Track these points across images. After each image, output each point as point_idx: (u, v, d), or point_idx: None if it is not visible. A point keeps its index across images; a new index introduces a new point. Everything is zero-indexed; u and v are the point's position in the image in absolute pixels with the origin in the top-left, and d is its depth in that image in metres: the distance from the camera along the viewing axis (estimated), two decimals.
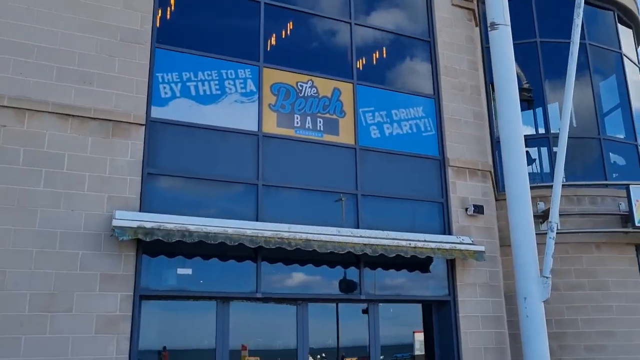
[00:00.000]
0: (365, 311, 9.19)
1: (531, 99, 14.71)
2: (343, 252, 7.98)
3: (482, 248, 9.08)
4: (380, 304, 9.25)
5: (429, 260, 9.11)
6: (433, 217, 9.62)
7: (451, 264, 9.32)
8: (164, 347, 7.83)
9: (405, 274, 9.40)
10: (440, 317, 9.39)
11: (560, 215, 11.82)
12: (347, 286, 8.78)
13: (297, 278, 8.61)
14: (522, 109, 14.24)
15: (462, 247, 8.90)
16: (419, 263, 9.23)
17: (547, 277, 8.86)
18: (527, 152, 13.78)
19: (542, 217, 11.71)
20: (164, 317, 8.04)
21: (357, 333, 9.26)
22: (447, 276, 9.34)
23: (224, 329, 7.89)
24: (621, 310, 11.48)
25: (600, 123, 12.87)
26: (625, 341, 11.31)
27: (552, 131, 13.91)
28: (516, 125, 9.44)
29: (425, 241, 8.66)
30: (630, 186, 11.07)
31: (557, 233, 11.66)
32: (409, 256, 8.40)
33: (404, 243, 8.44)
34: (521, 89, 14.58)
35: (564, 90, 9.28)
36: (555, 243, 11.67)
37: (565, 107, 9.37)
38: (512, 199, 9.24)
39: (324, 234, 8.00)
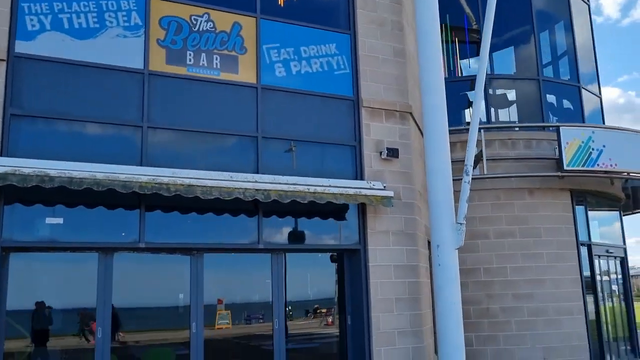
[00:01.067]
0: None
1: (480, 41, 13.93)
2: (230, 199, 7.37)
3: (390, 193, 8.54)
4: (290, 254, 8.83)
5: (339, 207, 8.58)
6: (345, 162, 9.03)
7: (362, 211, 8.80)
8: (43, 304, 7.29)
9: (316, 222, 8.89)
10: (351, 266, 8.93)
11: (493, 160, 11.41)
12: (246, 235, 8.24)
13: (191, 227, 8.04)
14: (472, 53, 13.65)
15: (369, 192, 8.35)
16: (330, 211, 8.74)
17: (461, 224, 8.33)
18: (466, 94, 13.30)
19: (474, 162, 11.18)
20: (39, 273, 7.48)
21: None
22: (357, 224, 8.83)
23: (106, 284, 7.36)
24: (552, 257, 11.15)
25: (539, 64, 12.20)
26: (554, 289, 11.03)
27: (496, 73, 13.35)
28: (435, 65, 8.74)
29: (327, 186, 8.08)
30: (561, 128, 10.53)
31: (489, 178, 11.30)
32: (306, 202, 7.83)
33: (301, 188, 7.86)
34: (470, 30, 13.90)
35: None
36: (487, 189, 11.39)
37: (483, 46, 8.65)
38: (429, 142, 8.63)
39: (209, 179, 7.38)
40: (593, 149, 10.36)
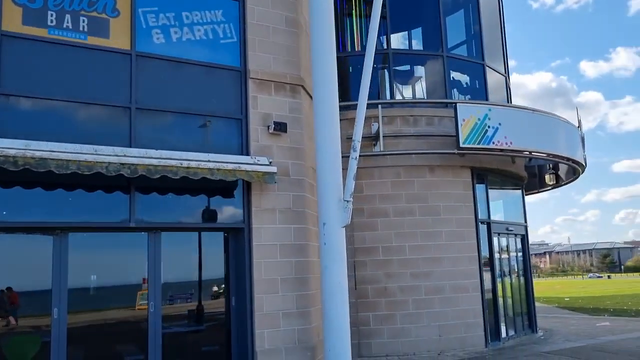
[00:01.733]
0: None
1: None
2: (90, 173, 6.78)
3: (273, 169, 8.15)
4: (175, 234, 8.34)
5: (225, 184, 8.14)
6: (230, 136, 8.57)
7: (247, 188, 8.38)
8: None
9: (201, 199, 8.43)
10: (236, 246, 8.52)
11: (395, 136, 11.20)
12: (116, 213, 7.66)
13: (55, 205, 7.40)
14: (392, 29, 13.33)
15: (249, 168, 7.92)
16: (216, 188, 8.32)
17: (347, 201, 8.04)
18: (410, 69, 13.04)
19: (374, 138, 10.96)
20: None
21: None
22: (242, 202, 8.41)
23: None
24: (451, 235, 11.10)
25: (444, 41, 12.04)
26: (452, 267, 11.00)
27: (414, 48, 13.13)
28: (325, 35, 8.32)
29: (202, 161, 7.58)
30: (458, 105, 10.40)
31: (390, 155, 11.09)
32: (178, 177, 7.33)
33: (173, 163, 7.35)
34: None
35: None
36: (388, 167, 11.18)
37: (373, 18, 8.30)
38: (318, 116, 8.25)
39: (65, 152, 6.74)
40: (489, 127, 10.30)
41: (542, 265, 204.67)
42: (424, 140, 11.15)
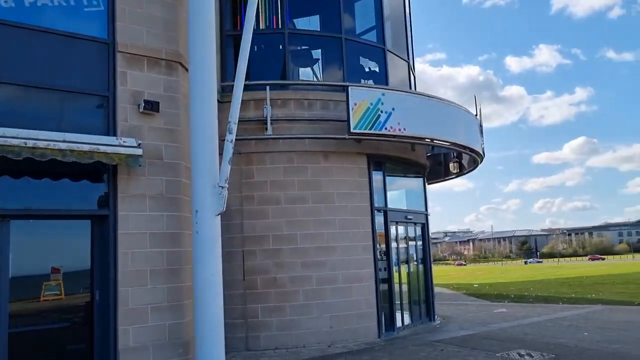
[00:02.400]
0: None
1: None
2: None
3: (138, 152, 7.46)
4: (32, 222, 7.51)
5: (92, 167, 7.37)
6: (94, 115, 7.82)
7: (113, 172, 7.65)
8: None
9: (63, 184, 7.60)
10: (100, 234, 7.76)
11: (288, 120, 10.70)
12: None
13: None
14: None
15: (110, 149, 7.20)
16: (81, 172, 7.53)
17: (222, 187, 7.55)
18: (307, 50, 12.50)
19: (266, 122, 10.42)
20: None
21: None
22: (108, 187, 7.68)
23: None
24: (345, 224, 10.78)
25: (342, 23, 11.63)
26: (345, 256, 10.69)
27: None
28: (204, 9, 7.75)
29: (53, 141, 6.79)
30: (349, 88, 10.03)
31: (283, 139, 10.61)
32: (21, 158, 6.52)
33: (15, 142, 6.51)
34: None
35: None
36: (280, 152, 10.67)
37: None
38: (194, 94, 7.70)
39: None
40: (382, 112, 9.99)
41: (466, 252, 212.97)
42: (319, 125, 10.73)
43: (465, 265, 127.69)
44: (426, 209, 13.46)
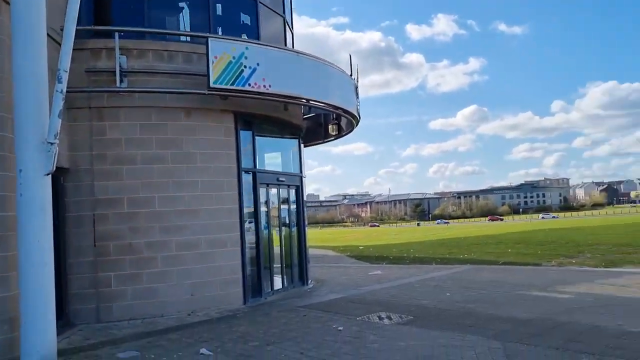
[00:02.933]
0: None
1: None
2: None
3: None
4: None
5: None
6: None
7: None
8: None
9: None
10: None
11: (145, 72, 9.74)
12: None
13: None
14: None
15: None
16: None
17: (51, 144, 6.64)
18: None
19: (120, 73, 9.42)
20: None
21: None
22: None
23: None
24: (208, 186, 10.15)
25: None
26: (209, 220, 10.10)
27: None
28: None
29: None
30: (209, 40, 9.27)
31: (139, 92, 9.67)
32: None
33: None
34: None
35: None
36: (136, 107, 9.72)
37: None
38: (16, 38, 6.64)
39: None
40: (245, 67, 9.33)
41: (363, 215, 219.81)
42: (181, 79, 9.90)
43: (378, 226, 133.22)
44: (301, 171, 13.09)
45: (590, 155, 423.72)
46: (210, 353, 6.99)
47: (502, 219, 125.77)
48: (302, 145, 13.33)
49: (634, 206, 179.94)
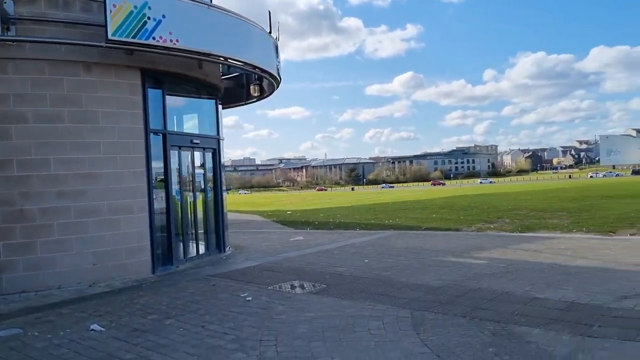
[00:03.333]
0: None
1: None
2: None
3: None
4: None
5: None
6: None
7: None
8: None
9: None
10: None
11: (37, 21, 8.75)
12: None
13: None
14: None
15: None
16: None
17: None
18: None
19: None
20: None
21: None
22: None
23: None
24: (111, 147, 9.41)
25: None
26: (113, 184, 9.41)
27: None
28: None
29: None
30: None
31: (27, 43, 8.70)
32: None
33: None
34: None
35: None
36: (27, 59, 8.76)
37: None
38: None
39: None
40: (149, 18, 8.54)
41: (299, 179, 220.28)
42: (79, 30, 9.00)
43: (326, 190, 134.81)
44: (218, 133, 12.45)
45: (518, 123, 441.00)
46: (102, 329, 6.45)
47: (444, 184, 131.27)
48: (219, 106, 12.66)
49: (556, 172, 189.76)
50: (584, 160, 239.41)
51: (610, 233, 13.19)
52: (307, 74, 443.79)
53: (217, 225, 12.26)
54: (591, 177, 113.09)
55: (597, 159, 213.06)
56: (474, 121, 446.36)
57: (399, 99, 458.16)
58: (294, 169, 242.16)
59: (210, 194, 12.13)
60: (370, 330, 6.14)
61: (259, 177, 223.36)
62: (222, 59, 10.21)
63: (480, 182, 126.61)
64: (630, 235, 12.70)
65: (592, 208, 20.06)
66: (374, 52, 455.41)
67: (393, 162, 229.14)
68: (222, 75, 13.30)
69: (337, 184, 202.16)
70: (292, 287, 8.58)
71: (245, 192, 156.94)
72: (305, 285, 8.61)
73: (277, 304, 7.49)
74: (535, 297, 7.34)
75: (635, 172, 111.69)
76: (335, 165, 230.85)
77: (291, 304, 7.49)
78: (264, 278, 9.32)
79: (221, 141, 12.52)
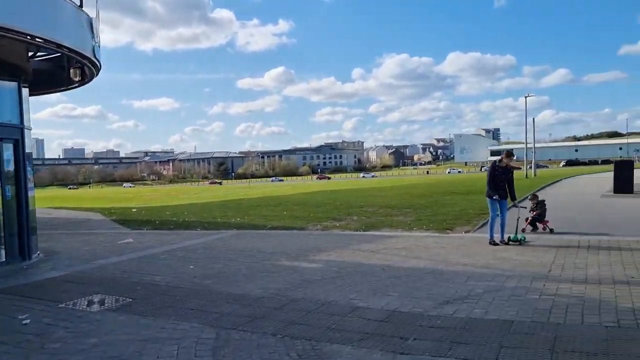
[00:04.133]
0: None
1: None
2: None
3: None
4: None
5: None
6: None
7: None
8: None
9: None
10: None
11: None
12: None
13: None
14: None
15: None
16: None
17: None
18: None
19: None
20: None
21: None
22: None
23: None
24: None
25: None
26: None
27: None
28: None
29: None
30: None
31: None
32: None
33: None
34: None
35: None
36: None
37: None
38: None
39: None
40: None
41: (165, 172, 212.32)
42: None
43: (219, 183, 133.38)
44: (22, 122, 10.64)
45: (383, 120, 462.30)
46: None
47: (329, 178, 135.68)
48: (23, 90, 10.81)
49: (416, 168, 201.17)
50: (440, 157, 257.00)
51: (447, 230, 13.31)
52: (176, 65, 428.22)
53: (20, 229, 10.48)
54: (449, 172, 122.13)
55: (452, 156, 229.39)
56: (343, 118, 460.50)
57: (270, 94, 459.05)
58: (160, 162, 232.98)
59: (10, 193, 10.31)
60: (159, 358, 5.14)
61: (122, 170, 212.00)
62: (13, 33, 8.53)
63: (363, 176, 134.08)
64: (465, 232, 12.87)
65: (437, 204, 20.61)
66: (246, 45, 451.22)
67: (262, 157, 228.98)
68: (36, 55, 11.48)
69: (206, 177, 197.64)
70: (90, 303, 7.31)
71: (131, 185, 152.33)
72: (106, 301, 7.38)
73: (60, 327, 6.23)
74: (357, 307, 6.79)
75: (484, 169, 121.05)
76: (203, 159, 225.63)
77: (77, 326, 6.25)
78: (61, 292, 7.92)
79: (26, 131, 10.73)
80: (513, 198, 11.25)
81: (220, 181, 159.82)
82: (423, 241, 11.84)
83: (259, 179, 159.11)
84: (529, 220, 12.54)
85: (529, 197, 11.69)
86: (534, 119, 60.33)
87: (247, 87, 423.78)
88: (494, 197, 11.04)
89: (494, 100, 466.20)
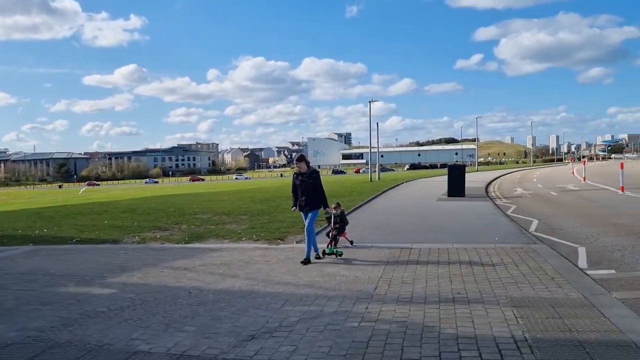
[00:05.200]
0: None
1: None
2: None
3: None
4: None
5: None
6: None
7: None
8: None
9: None
10: None
11: None
12: None
13: None
14: None
15: None
16: None
17: None
18: None
19: None
20: None
21: None
22: None
23: None
24: None
25: None
26: None
27: None
28: None
29: None
30: None
31: None
32: None
33: None
34: None
35: None
36: None
37: None
38: None
39: None
40: None
41: None
42: None
43: (99, 185, 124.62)
44: None
45: (239, 123, 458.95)
46: None
47: (203, 180, 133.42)
48: None
49: (270, 171, 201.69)
50: (294, 160, 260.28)
51: (279, 241, 12.19)
52: (12, 56, 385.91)
53: None
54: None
55: None
56: (198, 119, 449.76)
57: (120, 92, 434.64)
58: None
59: None
60: None
61: None
62: None
63: (236, 178, 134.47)
64: (296, 243, 11.83)
65: (276, 210, 19.58)
66: (94, 39, 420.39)
67: (110, 158, 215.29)
68: None
69: (44, 180, 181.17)
70: None
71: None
72: None
73: None
74: (136, 352, 5.30)
75: (335, 172, 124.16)
76: (41, 160, 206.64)
77: None
78: None
79: None
80: (325, 205, 9.84)
81: (61, 184, 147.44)
82: (248, 254, 10.57)
83: (138, 180, 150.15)
84: (330, 236, 10.28)
85: (334, 206, 10.29)
86: (377, 123, 62.25)
87: (94, 84, 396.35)
88: (292, 208, 10.20)
89: (347, 105, 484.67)
